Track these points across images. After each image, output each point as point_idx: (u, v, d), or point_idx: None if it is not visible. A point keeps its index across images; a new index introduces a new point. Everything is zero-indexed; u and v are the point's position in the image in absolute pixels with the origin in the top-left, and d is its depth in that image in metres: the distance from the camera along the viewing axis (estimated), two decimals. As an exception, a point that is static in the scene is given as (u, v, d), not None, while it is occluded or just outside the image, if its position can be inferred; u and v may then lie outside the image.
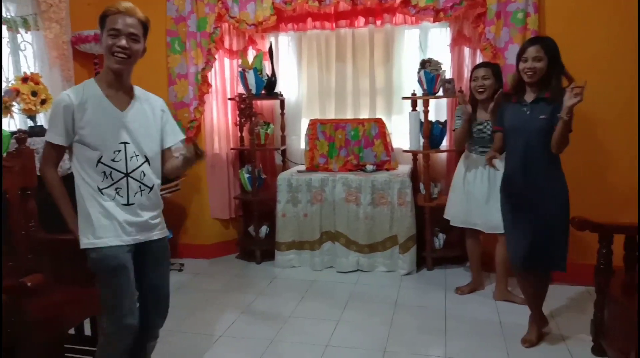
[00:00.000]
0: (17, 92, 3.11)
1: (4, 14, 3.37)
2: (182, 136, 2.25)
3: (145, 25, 2.02)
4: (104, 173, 1.97)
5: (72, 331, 2.56)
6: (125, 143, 2.00)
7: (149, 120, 2.10)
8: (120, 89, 2.03)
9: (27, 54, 3.61)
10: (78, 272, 2.27)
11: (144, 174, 2.05)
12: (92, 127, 1.95)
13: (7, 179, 2.36)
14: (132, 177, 2.01)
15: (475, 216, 3.31)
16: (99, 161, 1.96)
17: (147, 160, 2.06)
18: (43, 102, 3.20)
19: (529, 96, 2.63)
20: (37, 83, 3.19)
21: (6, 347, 1.97)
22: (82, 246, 1.99)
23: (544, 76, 2.58)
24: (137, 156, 2.03)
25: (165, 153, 2.18)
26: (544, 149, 2.58)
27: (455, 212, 3.43)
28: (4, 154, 2.43)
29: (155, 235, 2.11)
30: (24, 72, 3.29)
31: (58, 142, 1.97)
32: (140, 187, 2.04)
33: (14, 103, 3.13)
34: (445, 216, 3.51)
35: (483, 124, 3.22)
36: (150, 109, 2.12)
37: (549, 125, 2.53)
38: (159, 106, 2.17)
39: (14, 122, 3.33)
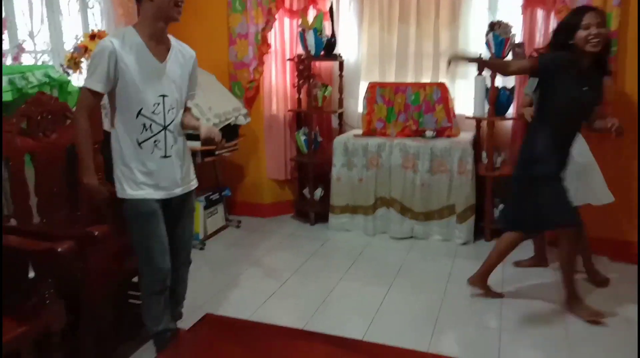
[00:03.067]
0: (85, 49, 3.20)
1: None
2: (195, 91, 2.26)
3: None
4: (144, 124, 2.01)
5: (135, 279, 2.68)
6: (163, 95, 2.04)
7: (183, 71, 2.13)
8: (160, 41, 2.05)
9: (95, 12, 3.70)
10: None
11: (175, 127, 2.10)
12: (133, 78, 1.97)
13: (76, 133, 2.46)
14: (169, 130, 2.07)
15: None
16: (139, 113, 2.00)
17: (178, 113, 2.11)
18: (109, 59, 3.28)
19: None
20: (104, 40, 3.26)
21: (71, 294, 2.09)
22: (120, 196, 2.08)
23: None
24: (173, 108, 2.07)
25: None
26: None
27: None
28: (73, 109, 2.52)
29: (186, 188, 2.20)
30: (92, 30, 3.37)
31: (97, 89, 1.96)
32: (174, 139, 2.10)
33: (82, 59, 3.23)
34: None
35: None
36: (183, 60, 2.14)
37: None
38: (192, 58, 2.19)
39: (82, 78, 3.45)
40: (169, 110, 2.06)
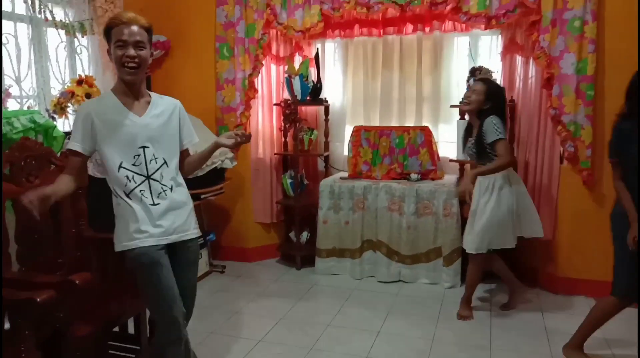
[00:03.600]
0: (72, 94, 3.22)
1: (63, 20, 3.51)
2: (197, 139, 2.28)
3: (149, 31, 2.05)
4: (127, 177, 2.04)
5: (116, 329, 2.60)
6: (144, 147, 2.06)
7: (167, 123, 2.15)
8: (136, 97, 2.09)
9: (82, 57, 3.74)
10: (122, 271, 2.31)
11: (162, 176, 2.10)
12: (111, 135, 2.02)
13: (60, 178, 2.43)
14: (153, 179, 2.08)
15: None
16: (120, 166, 2.03)
17: (165, 162, 2.11)
18: (96, 104, 3.29)
19: None
20: (91, 85, 3.29)
21: (52, 341, 2.02)
22: (117, 249, 2.07)
23: None
24: (155, 158, 2.09)
25: (182, 154, 2.23)
26: None
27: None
28: (58, 154, 2.50)
29: (186, 235, 2.16)
30: (79, 75, 3.40)
31: (75, 148, 2.04)
32: (162, 188, 2.10)
33: (69, 104, 3.24)
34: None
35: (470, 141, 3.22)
36: (168, 112, 2.17)
37: None
38: (176, 109, 2.21)
39: (68, 123, 3.45)
40: (150, 160, 2.07)
